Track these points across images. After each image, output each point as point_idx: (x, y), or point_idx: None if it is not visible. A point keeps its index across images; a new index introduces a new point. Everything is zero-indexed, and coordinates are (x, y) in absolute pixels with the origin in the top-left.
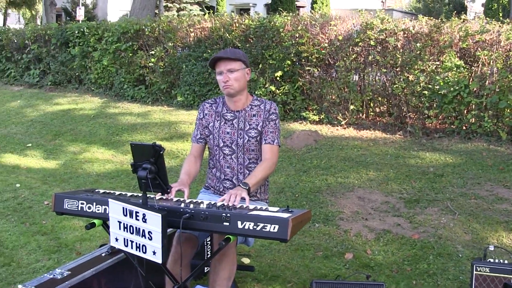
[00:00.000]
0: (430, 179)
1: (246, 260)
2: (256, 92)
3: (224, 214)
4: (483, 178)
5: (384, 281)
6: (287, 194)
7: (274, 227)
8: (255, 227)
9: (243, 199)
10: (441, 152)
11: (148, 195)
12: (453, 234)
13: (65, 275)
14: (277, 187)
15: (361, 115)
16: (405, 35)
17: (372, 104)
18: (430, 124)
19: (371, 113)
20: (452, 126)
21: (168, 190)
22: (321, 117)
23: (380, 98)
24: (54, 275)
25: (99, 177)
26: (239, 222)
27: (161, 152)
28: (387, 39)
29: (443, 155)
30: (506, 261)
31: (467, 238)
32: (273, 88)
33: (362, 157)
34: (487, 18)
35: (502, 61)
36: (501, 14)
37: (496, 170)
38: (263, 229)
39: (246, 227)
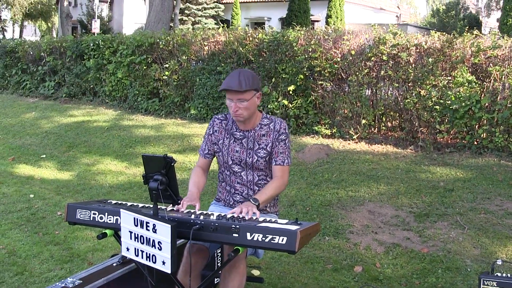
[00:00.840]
0: (440, 193)
1: (256, 272)
2: (269, 106)
3: (233, 226)
4: (493, 193)
5: None
6: (298, 207)
7: (283, 239)
8: (263, 238)
9: (254, 214)
10: (451, 167)
11: (159, 206)
12: (462, 249)
13: (77, 284)
14: (288, 200)
15: (373, 130)
16: (417, 50)
17: (384, 119)
18: (442, 139)
19: (383, 128)
20: (463, 141)
21: (179, 202)
22: (333, 131)
23: (392, 113)
24: (65, 284)
25: (112, 188)
26: (248, 234)
27: (172, 164)
28: (399, 54)
29: (454, 170)
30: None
31: (476, 253)
32: (285, 102)
33: (373, 171)
34: (502, 33)
35: None
36: None
37: (506, 185)
38: (272, 241)
39: (255, 238)
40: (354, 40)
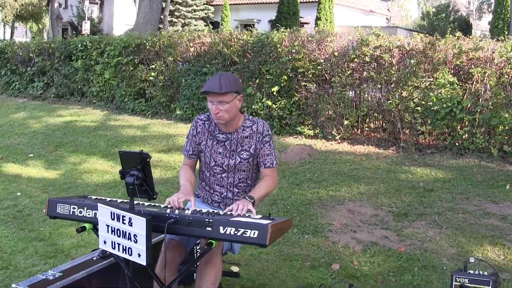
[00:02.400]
0: (419, 193)
1: (235, 269)
2: (253, 107)
3: (207, 220)
4: (472, 193)
5: None
6: (279, 206)
7: (254, 232)
8: (236, 232)
9: (249, 211)
10: (432, 168)
11: (137, 202)
12: (439, 247)
13: (57, 276)
14: (270, 199)
15: (355, 131)
16: (400, 52)
17: (367, 120)
18: (424, 140)
19: (366, 129)
20: (445, 142)
21: (155, 197)
22: (316, 132)
23: (374, 114)
24: (46, 276)
25: (98, 187)
26: (221, 228)
27: (148, 160)
28: (382, 55)
29: (434, 170)
30: (486, 273)
31: (453, 252)
32: (269, 102)
33: (354, 171)
34: (492, 36)
35: (495, 79)
36: (506, 33)
37: (485, 185)
38: (244, 235)
39: (228, 232)
40: (337, 41)
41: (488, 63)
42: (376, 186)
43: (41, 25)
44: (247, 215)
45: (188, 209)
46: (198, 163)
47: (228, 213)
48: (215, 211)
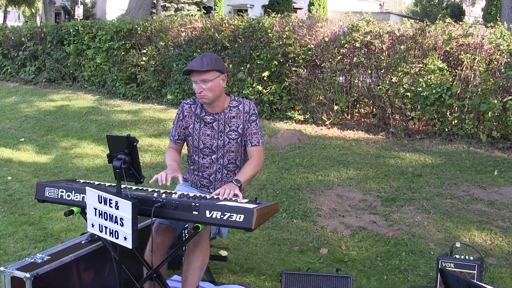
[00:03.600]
0: (408, 178)
1: (224, 253)
2: (243, 92)
3: (193, 204)
4: (460, 178)
5: (356, 276)
6: (268, 191)
7: (240, 216)
8: (222, 216)
9: (236, 195)
10: (421, 153)
11: (125, 186)
12: (427, 232)
13: (46, 259)
14: (259, 184)
15: (346, 116)
16: (390, 38)
17: (357, 105)
18: (413, 126)
19: (356, 114)
20: (434, 127)
21: (142, 180)
22: (306, 117)
23: (365, 100)
24: (35, 259)
25: (88, 171)
26: (207, 211)
27: (135, 144)
28: (372, 41)
29: (423, 156)
30: (471, 258)
31: (440, 237)
32: (260, 87)
33: (344, 157)
34: (485, 22)
35: (484, 65)
36: (499, 19)
37: (473, 171)
38: (230, 218)
39: (214, 216)
40: (328, 27)
41: (478, 50)
42: (365, 171)
43: (34, 9)
44: (233, 199)
45: (175, 193)
46: (186, 148)
47: (215, 197)
48: (202, 195)
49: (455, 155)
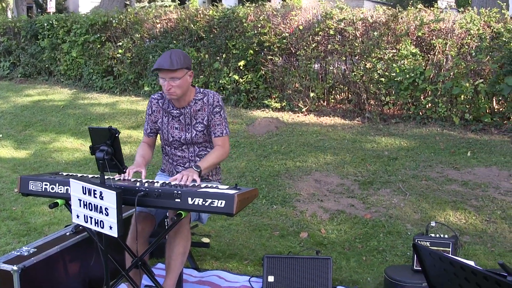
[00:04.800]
0: (384, 162)
1: (206, 240)
2: (220, 81)
3: (175, 192)
4: (434, 160)
5: (335, 258)
6: (247, 178)
7: (221, 202)
8: (204, 202)
9: (194, 180)
10: (396, 137)
11: (107, 176)
12: (403, 214)
13: (31, 252)
14: (238, 171)
15: (322, 102)
16: (364, 24)
17: (333, 92)
18: (388, 110)
19: (332, 100)
20: (408, 112)
21: (124, 170)
22: (283, 105)
23: (340, 86)
24: (21, 252)
25: (68, 165)
26: (189, 199)
27: (117, 135)
28: (346, 28)
29: (398, 139)
30: (446, 236)
31: (416, 217)
32: (236, 77)
33: (321, 142)
34: (458, 7)
35: (456, 49)
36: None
37: (447, 153)
38: (211, 205)
39: (196, 203)
40: (302, 15)
41: (449, 34)
42: (342, 156)
43: (5, 3)
44: (190, 184)
45: (157, 182)
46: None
47: (172, 182)
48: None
49: (429, 138)
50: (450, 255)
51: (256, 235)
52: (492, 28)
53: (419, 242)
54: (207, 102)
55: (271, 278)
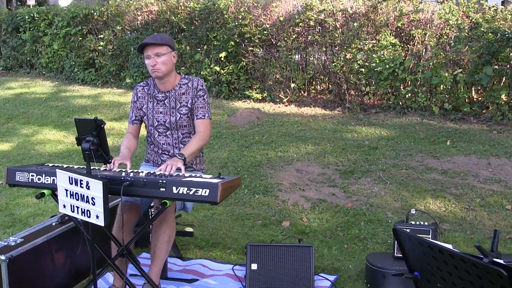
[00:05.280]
0: (365, 151)
1: (189, 229)
2: (201, 73)
3: (160, 181)
4: (414, 150)
5: (317, 246)
6: (229, 168)
7: (206, 191)
8: (188, 191)
9: (179, 169)
10: (376, 127)
11: (93, 167)
12: (384, 202)
13: (18, 242)
14: (221, 162)
15: (303, 93)
16: (344, 15)
17: (313, 82)
18: (369, 100)
19: (313, 91)
20: (388, 101)
21: (110, 160)
22: (264, 96)
23: (321, 77)
24: (8, 243)
25: (51, 157)
26: (174, 188)
27: (102, 126)
28: (326, 19)
29: (379, 129)
30: (426, 223)
31: (397, 205)
32: (217, 68)
33: (302, 132)
34: None
35: (435, 39)
36: None
37: (427, 142)
38: (196, 193)
39: (181, 192)
40: (282, 6)
41: (428, 25)
42: (323, 146)
43: None
44: (174, 174)
45: (142, 172)
46: (144, 129)
47: (157, 172)
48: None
49: (409, 127)
50: (427, 239)
51: (239, 224)
52: (470, 18)
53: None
54: (191, 86)
55: (254, 266)
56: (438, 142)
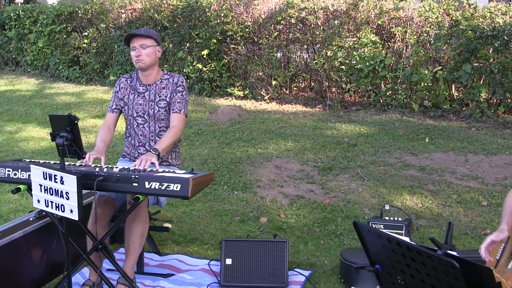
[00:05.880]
0: (344, 148)
1: (168, 225)
2: (184, 70)
3: (133, 176)
4: (393, 146)
5: (294, 242)
6: (210, 165)
7: (177, 186)
8: (160, 186)
9: (153, 163)
10: (356, 124)
11: (68, 163)
12: (361, 198)
13: None
14: (201, 158)
15: (284, 90)
16: (325, 13)
17: (295, 80)
18: (349, 98)
19: (295, 89)
20: (369, 99)
21: (84, 156)
22: (246, 93)
23: (303, 74)
24: None
25: (34, 154)
26: (146, 183)
27: (76, 122)
28: (307, 17)
29: (358, 126)
30: (400, 219)
31: (374, 202)
32: (200, 66)
33: (282, 129)
34: None
35: (415, 37)
36: None
37: (406, 139)
38: (167, 188)
39: (153, 187)
40: (264, 4)
41: (408, 23)
42: (302, 143)
43: None
44: (148, 169)
45: (116, 167)
46: (124, 122)
47: (132, 168)
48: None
49: (389, 124)
50: (386, 232)
51: (217, 220)
52: (451, 16)
53: (373, 224)
54: (172, 81)
55: (229, 261)
56: (417, 139)
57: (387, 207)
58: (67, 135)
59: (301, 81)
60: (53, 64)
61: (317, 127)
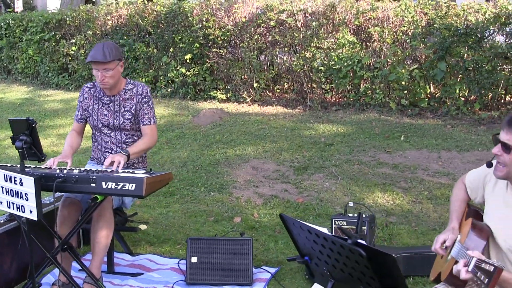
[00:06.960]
0: (320, 148)
1: (143, 227)
2: (168, 75)
3: (91, 177)
4: (368, 145)
5: (265, 240)
6: (188, 167)
7: (132, 185)
8: (116, 186)
9: (119, 162)
10: (334, 124)
11: (33, 166)
12: (334, 197)
13: None
14: (181, 161)
15: (267, 93)
16: (304, 15)
17: (278, 81)
18: (330, 98)
19: (277, 90)
20: (348, 99)
21: (43, 158)
22: (228, 96)
23: (284, 76)
24: None
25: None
26: (103, 183)
27: (34, 125)
28: (286, 19)
29: (336, 126)
30: (364, 215)
31: (346, 200)
32: (183, 70)
33: (261, 131)
34: None
35: (392, 37)
36: None
37: (382, 137)
38: (123, 188)
39: (109, 186)
40: (244, 8)
41: (385, 22)
42: (280, 144)
43: None
44: (109, 170)
45: (76, 168)
46: (90, 128)
47: (103, 168)
48: (103, 169)
49: (366, 123)
50: (307, 223)
51: (191, 221)
52: (428, 15)
53: (336, 221)
54: (136, 92)
55: (194, 259)
56: (393, 138)
57: (350, 204)
58: (26, 138)
59: (284, 83)
60: (43, 71)
61: (295, 128)
